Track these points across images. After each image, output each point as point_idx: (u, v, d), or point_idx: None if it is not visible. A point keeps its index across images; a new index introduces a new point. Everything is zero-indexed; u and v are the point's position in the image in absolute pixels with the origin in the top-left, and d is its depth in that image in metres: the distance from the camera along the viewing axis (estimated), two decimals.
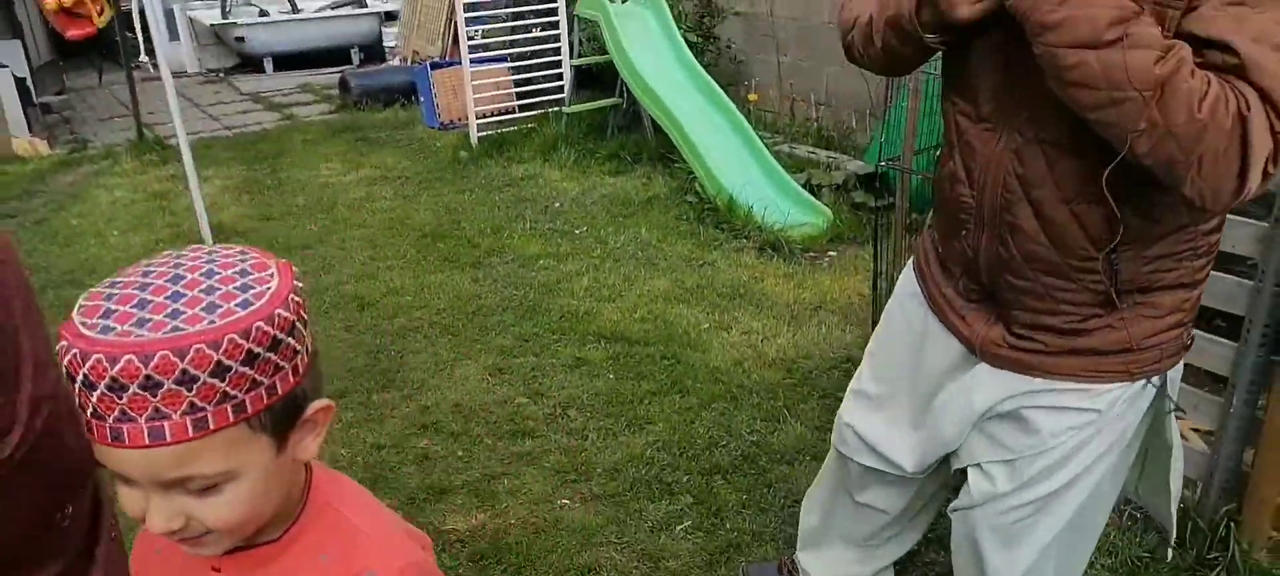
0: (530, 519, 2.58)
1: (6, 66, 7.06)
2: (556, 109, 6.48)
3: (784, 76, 6.44)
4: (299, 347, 0.80)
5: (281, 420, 0.80)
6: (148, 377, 0.71)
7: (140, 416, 0.72)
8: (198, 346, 0.71)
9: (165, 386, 0.71)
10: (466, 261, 4.48)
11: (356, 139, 6.88)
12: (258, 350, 0.74)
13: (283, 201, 5.48)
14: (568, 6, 6.59)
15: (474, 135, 6.38)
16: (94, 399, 0.72)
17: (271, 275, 0.79)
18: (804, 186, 4.96)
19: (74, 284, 4.27)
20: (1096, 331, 1.40)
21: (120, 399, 0.71)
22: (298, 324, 0.79)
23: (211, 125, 7.82)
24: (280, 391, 0.77)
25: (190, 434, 0.73)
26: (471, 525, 2.56)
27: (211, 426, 0.74)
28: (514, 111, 6.73)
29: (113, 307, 0.74)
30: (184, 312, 0.73)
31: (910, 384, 1.68)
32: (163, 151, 6.52)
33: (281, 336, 0.76)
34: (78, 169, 6.42)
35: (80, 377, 0.72)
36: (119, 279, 0.77)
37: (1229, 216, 1.67)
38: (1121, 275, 1.33)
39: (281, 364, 0.77)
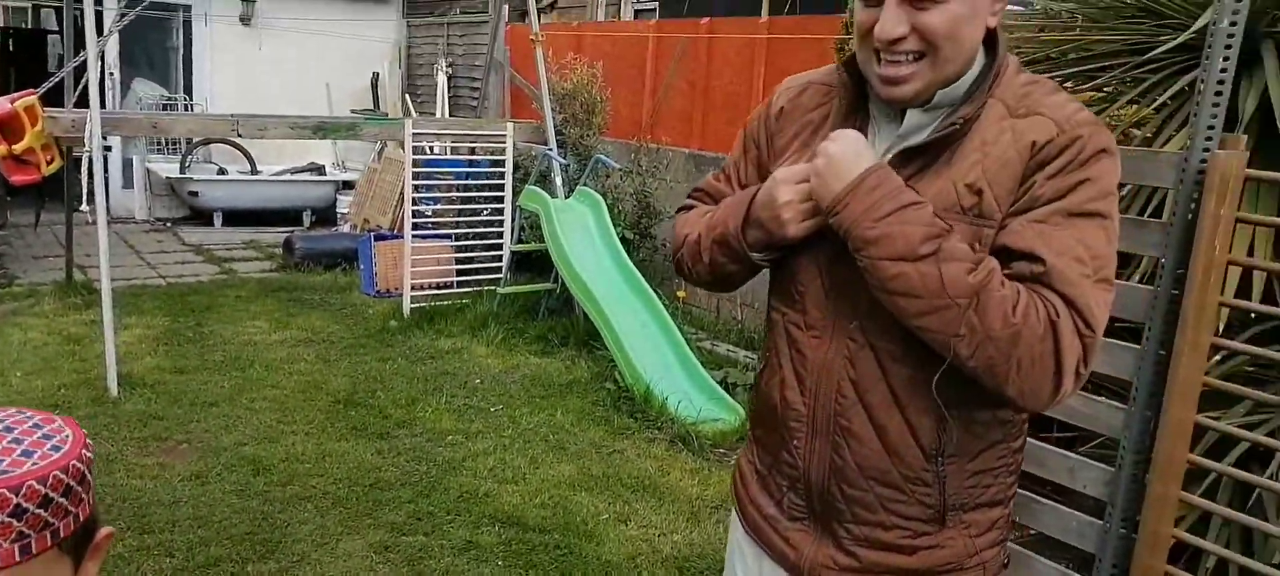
0: None
1: None
2: (492, 287, 6.60)
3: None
4: (92, 481, 0.91)
5: (81, 543, 0.89)
6: None
7: None
8: (30, 482, 0.82)
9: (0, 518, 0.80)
10: (375, 432, 4.43)
11: (289, 299, 6.89)
12: (73, 484, 0.86)
13: (200, 356, 5.41)
14: (512, 196, 6.84)
15: (407, 305, 6.44)
16: None
17: (62, 426, 0.89)
18: (721, 383, 5.05)
19: None
20: (925, 549, 1.40)
21: None
22: (91, 464, 0.91)
23: (147, 273, 7.79)
24: (82, 519, 0.88)
25: (17, 559, 0.82)
26: None
27: (34, 551, 0.83)
28: (452, 286, 6.83)
29: None
30: (4, 459, 0.83)
31: None
32: (88, 295, 6.45)
33: (87, 472, 0.88)
34: None
35: None
36: None
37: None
38: (949, 487, 1.36)
39: (84, 495, 0.88)
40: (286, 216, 10.61)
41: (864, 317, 1.33)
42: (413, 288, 6.52)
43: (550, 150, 6.89)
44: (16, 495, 0.81)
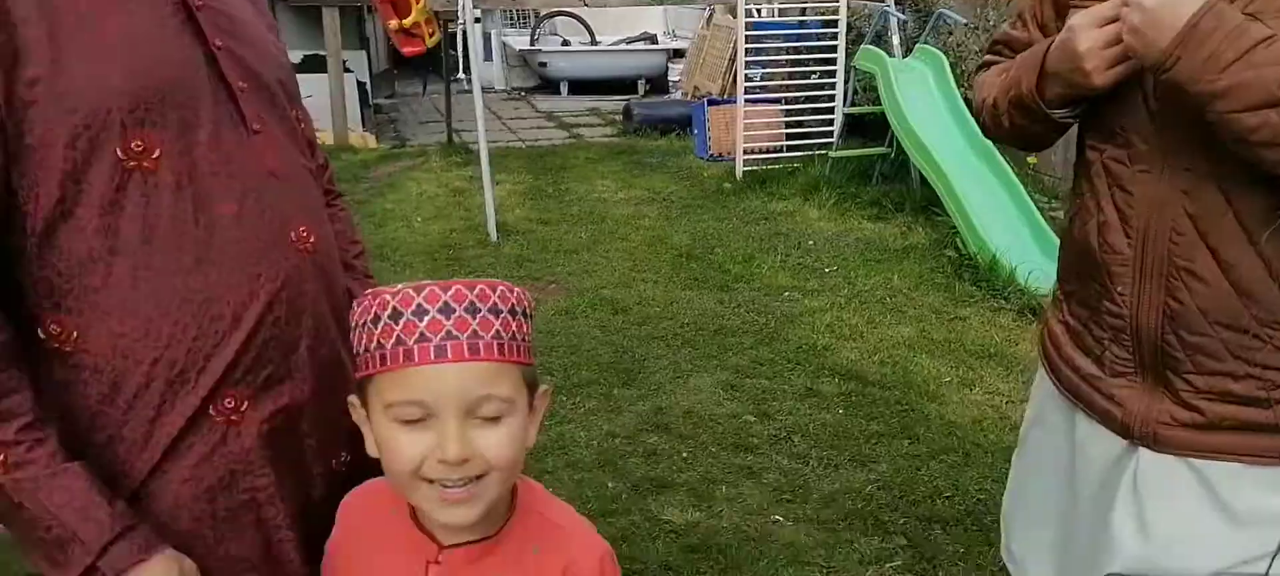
0: (743, 526, 2.67)
1: (353, 72, 8.26)
2: (823, 152, 6.55)
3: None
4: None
5: (532, 383, 0.98)
6: (471, 303, 0.90)
7: (463, 334, 0.89)
8: (503, 289, 0.93)
9: (482, 312, 0.91)
10: (715, 284, 4.66)
11: (631, 161, 7.34)
12: (531, 311, 0.95)
13: (560, 209, 5.97)
14: (846, 57, 6.66)
15: (739, 168, 6.60)
16: (423, 324, 0.89)
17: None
18: None
19: (381, 258, 4.93)
20: None
21: (447, 320, 0.89)
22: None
23: (509, 137, 8.66)
24: (531, 359, 0.97)
25: (496, 355, 0.91)
26: (687, 520, 2.70)
27: (506, 355, 0.92)
28: (782, 150, 6.88)
29: (418, 287, 0.93)
30: (475, 286, 0.93)
31: (1069, 524, 1.42)
32: (465, 155, 7.32)
33: (531, 312, 0.97)
34: (396, 162, 7.37)
35: (412, 308, 0.90)
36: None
37: None
38: None
39: (529, 341, 0.96)
40: (623, 85, 11.20)
41: (1201, 146, 1.15)
42: (744, 151, 6.65)
43: (887, 7, 6.58)
44: (493, 293, 0.92)
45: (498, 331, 0.91)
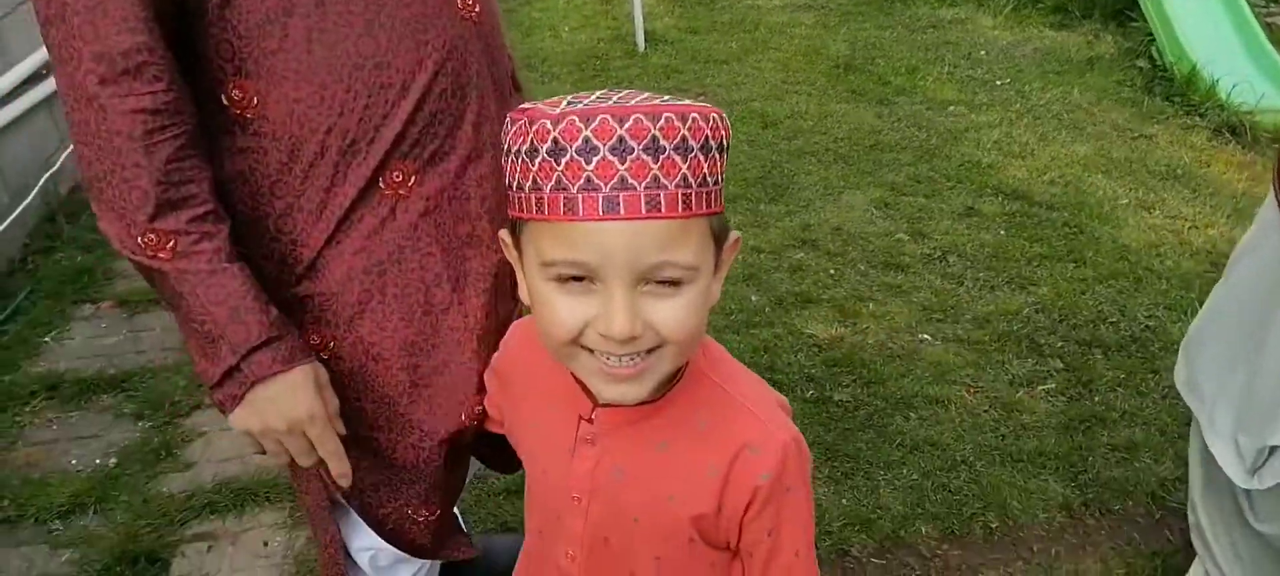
0: (888, 343, 2.63)
1: None
2: None
3: None
4: None
5: (720, 235, 0.78)
6: (653, 139, 0.69)
7: (640, 183, 0.69)
8: (694, 116, 0.71)
9: (666, 151, 0.70)
10: (874, 97, 4.42)
11: None
12: (725, 142, 0.74)
13: (710, 18, 5.75)
14: None
15: None
16: (590, 167, 0.69)
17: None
18: None
19: (528, 68, 4.93)
20: None
21: (622, 163, 0.69)
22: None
23: None
24: (721, 204, 0.76)
25: (680, 210, 0.71)
26: (831, 335, 2.67)
27: (694, 208, 0.72)
28: None
29: (578, 99, 0.73)
30: (653, 102, 0.72)
31: (1256, 371, 1.29)
32: None
33: (728, 143, 0.76)
34: None
35: (578, 143, 0.69)
36: (568, 96, 0.76)
37: None
38: None
39: (722, 182, 0.75)
40: None
41: None
42: None
43: None
44: (683, 124, 0.70)
45: (685, 176, 0.71)
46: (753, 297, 2.87)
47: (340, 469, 1.06)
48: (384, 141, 1.01)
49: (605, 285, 0.73)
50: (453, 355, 1.12)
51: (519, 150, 0.74)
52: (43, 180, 3.24)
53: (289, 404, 0.99)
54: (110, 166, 0.92)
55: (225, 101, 0.99)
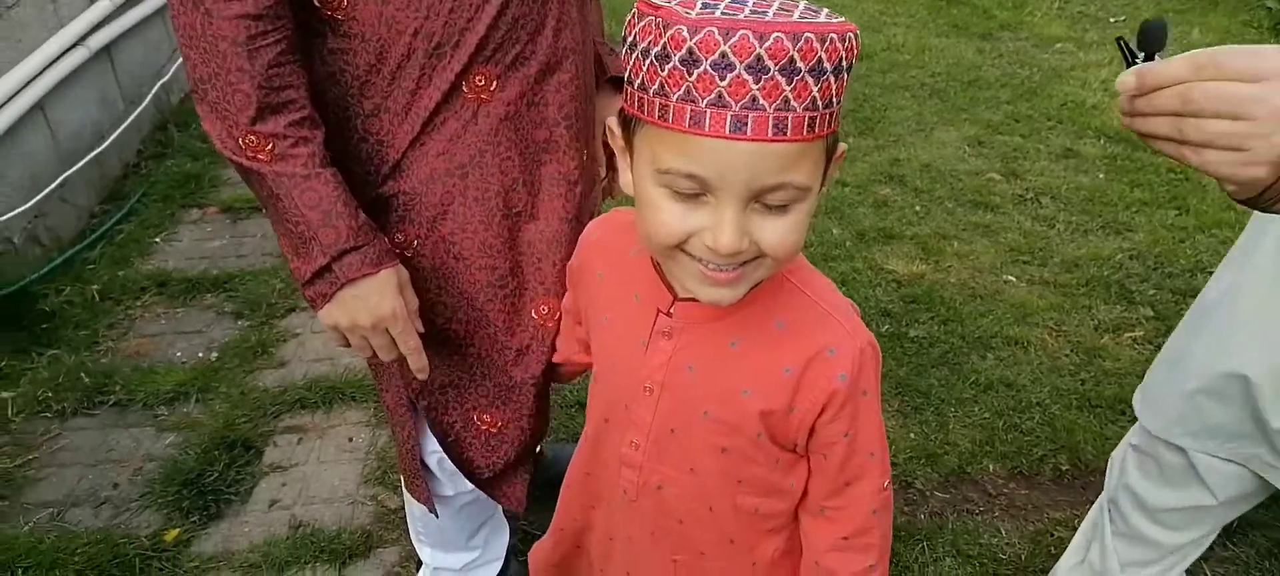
0: (970, 282, 2.57)
1: None
2: None
3: None
4: None
5: (831, 149, 0.76)
6: (791, 60, 0.66)
7: (770, 105, 0.67)
8: (831, 36, 0.68)
9: (801, 73, 0.67)
10: (976, 31, 4.26)
11: None
12: (853, 62, 0.71)
13: None
14: None
15: None
16: (725, 83, 0.67)
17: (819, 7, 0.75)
18: None
19: None
20: None
21: (757, 83, 0.67)
22: None
23: None
24: (839, 121, 0.74)
25: (805, 133, 0.69)
26: (912, 271, 2.63)
27: (817, 131, 0.70)
28: None
29: (713, 2, 0.70)
30: (791, 15, 0.68)
31: None
32: None
33: (851, 60, 0.72)
34: None
35: (712, 58, 0.67)
36: None
37: None
38: None
39: (842, 100, 0.73)
40: None
41: None
42: None
43: None
44: (821, 47, 0.67)
45: (814, 99, 0.68)
46: (834, 230, 2.84)
47: (419, 363, 1.12)
48: (468, 46, 1.04)
49: (718, 200, 0.72)
50: (527, 258, 1.16)
51: (647, 49, 0.71)
52: (155, 88, 3.42)
53: (375, 303, 1.05)
54: (215, 70, 0.96)
55: (317, 3, 1.02)
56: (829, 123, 0.71)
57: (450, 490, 1.40)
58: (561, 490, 1.13)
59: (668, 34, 0.68)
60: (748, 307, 0.85)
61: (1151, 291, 2.49)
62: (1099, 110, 3.48)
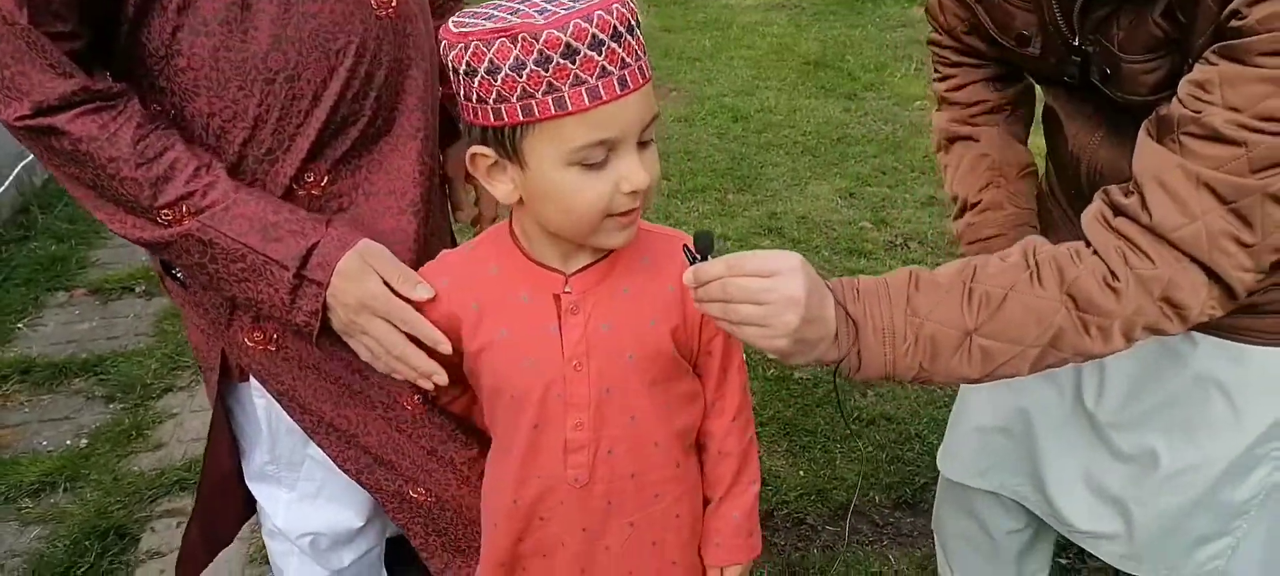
0: None
1: None
2: None
3: None
4: None
5: None
6: (630, 24, 0.84)
7: (633, 60, 0.84)
8: (618, 6, 0.83)
9: (623, 35, 0.83)
10: (842, 92, 4.51)
11: None
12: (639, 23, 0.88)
13: (685, 16, 5.83)
14: None
15: None
16: (602, 57, 0.81)
17: None
18: None
19: None
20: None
21: (620, 46, 0.82)
22: None
23: None
24: None
25: (649, 75, 0.87)
26: None
27: (649, 74, 0.88)
28: None
29: (507, 12, 0.84)
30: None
31: None
32: None
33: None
34: None
35: (587, 42, 0.80)
36: (470, 13, 0.86)
37: None
38: None
39: None
40: None
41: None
42: None
43: None
44: (628, 11, 0.84)
45: (636, 51, 0.86)
46: None
47: (430, 334, 1.02)
48: (300, 150, 1.03)
49: (619, 153, 0.87)
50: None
51: (516, 63, 0.81)
52: (17, 170, 3.27)
53: (352, 290, 1.01)
54: (95, 174, 0.95)
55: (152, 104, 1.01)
56: (648, 71, 0.89)
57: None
58: (485, 530, 1.14)
59: (540, 41, 0.80)
60: (620, 260, 0.99)
61: None
62: None
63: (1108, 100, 1.00)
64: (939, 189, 3.50)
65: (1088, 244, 0.91)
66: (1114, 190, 0.92)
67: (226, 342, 1.15)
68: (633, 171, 0.87)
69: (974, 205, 1.27)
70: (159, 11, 0.95)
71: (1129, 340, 0.90)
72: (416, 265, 1.07)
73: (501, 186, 0.92)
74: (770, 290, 0.85)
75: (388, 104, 1.09)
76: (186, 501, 2.07)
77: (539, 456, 1.04)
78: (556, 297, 0.98)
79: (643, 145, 0.89)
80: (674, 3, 6.16)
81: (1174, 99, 0.87)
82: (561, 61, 0.81)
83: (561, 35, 0.80)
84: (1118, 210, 0.90)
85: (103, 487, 2.10)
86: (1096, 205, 0.93)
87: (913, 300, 0.91)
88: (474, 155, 0.91)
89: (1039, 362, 0.92)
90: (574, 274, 0.98)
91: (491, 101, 0.84)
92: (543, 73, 0.81)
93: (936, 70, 1.34)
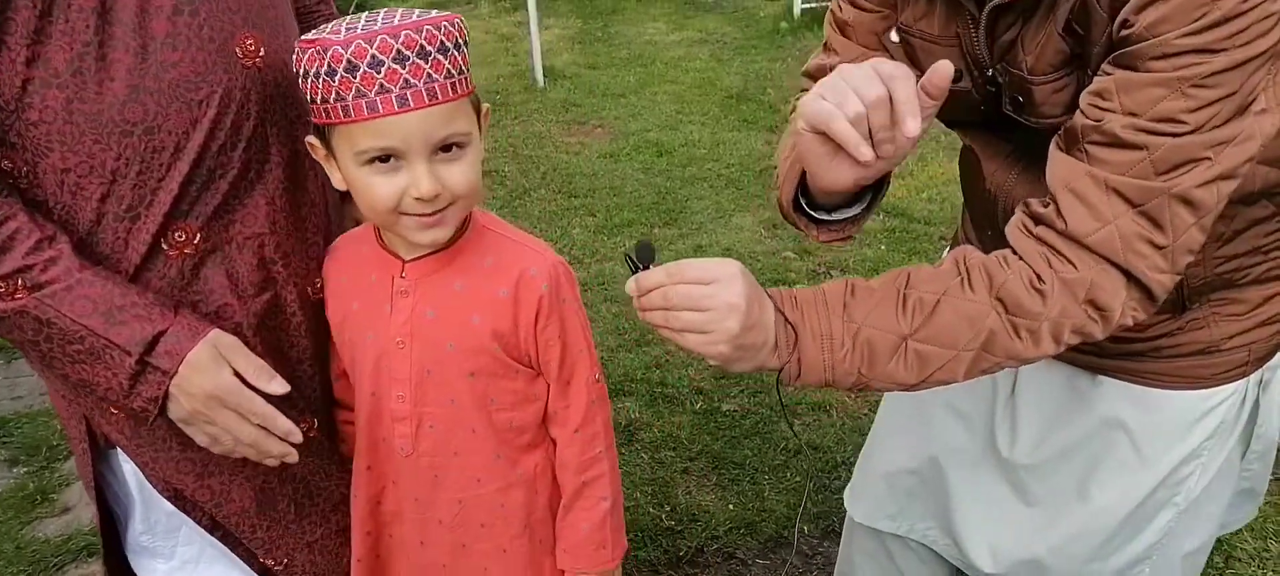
0: None
1: None
2: None
3: None
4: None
5: (477, 108, 1.04)
6: (422, 48, 0.93)
7: (419, 81, 0.93)
8: (444, 24, 0.95)
9: (433, 54, 0.93)
10: (764, 125, 4.59)
11: (685, 3, 7.13)
12: (464, 41, 0.99)
13: (609, 53, 5.88)
14: None
15: (797, 6, 6.36)
16: (381, 75, 0.91)
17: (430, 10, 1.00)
18: None
19: None
20: (1161, 337, 1.11)
21: (403, 68, 0.92)
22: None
23: None
24: (473, 86, 1.01)
25: (451, 94, 0.95)
26: None
27: (458, 92, 0.97)
28: None
29: (351, 26, 0.93)
30: (412, 16, 0.94)
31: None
32: (514, 1, 7.19)
33: (467, 41, 1.00)
34: (444, 9, 7.28)
35: (367, 61, 0.90)
36: (331, 23, 0.97)
37: None
38: (1189, 280, 1.06)
39: (468, 65, 1.00)
40: None
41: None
42: None
43: None
44: (439, 32, 0.93)
45: (448, 70, 0.95)
46: None
47: (283, 427, 1.03)
48: (162, 204, 0.99)
49: (409, 161, 0.96)
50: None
51: (318, 72, 0.93)
52: None
53: (201, 382, 0.98)
54: None
55: (5, 164, 0.96)
56: (465, 85, 0.98)
57: None
58: (352, 495, 1.20)
59: (328, 55, 0.92)
60: (462, 256, 1.08)
61: None
62: None
63: (1024, 136, 1.03)
64: None
65: (1013, 252, 0.94)
66: (1032, 202, 0.94)
67: (88, 410, 1.09)
68: (418, 180, 0.96)
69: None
70: (7, 63, 0.91)
71: (1057, 343, 0.92)
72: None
73: (334, 174, 1.03)
74: (711, 297, 0.88)
75: (260, 155, 1.06)
76: (95, 567, 1.99)
77: (376, 423, 1.15)
78: (393, 279, 1.10)
79: (447, 154, 0.98)
80: (599, 40, 6.21)
81: (1077, 111, 0.90)
82: (345, 74, 0.92)
83: (343, 52, 0.92)
84: (1037, 219, 0.92)
85: (4, 556, 2.00)
86: (1018, 217, 0.96)
87: (849, 307, 0.93)
88: (311, 144, 1.03)
89: (973, 367, 0.94)
90: (411, 261, 1.09)
91: (310, 100, 0.97)
92: (332, 83, 0.93)
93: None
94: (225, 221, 1.04)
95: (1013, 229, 0.95)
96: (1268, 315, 1.10)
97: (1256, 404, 1.16)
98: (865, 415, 2.46)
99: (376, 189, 0.98)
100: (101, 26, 0.93)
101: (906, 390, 0.96)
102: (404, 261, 1.10)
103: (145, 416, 0.99)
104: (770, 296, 0.94)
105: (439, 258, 1.09)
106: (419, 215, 1.00)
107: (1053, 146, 0.93)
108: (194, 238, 1.02)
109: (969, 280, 0.93)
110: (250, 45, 1.02)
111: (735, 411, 2.47)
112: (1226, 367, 1.11)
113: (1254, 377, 1.14)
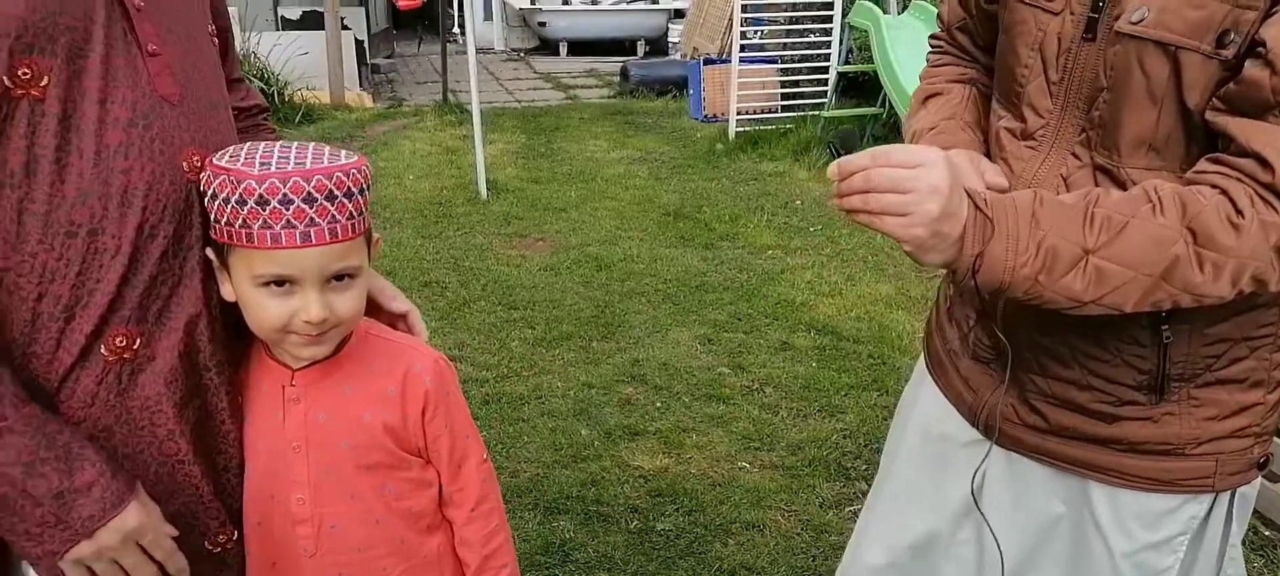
0: (710, 472, 2.76)
1: (350, 30, 8.27)
2: (816, 113, 6.57)
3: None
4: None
5: (369, 238, 1.13)
6: (331, 192, 1.01)
7: (323, 221, 1.02)
8: (353, 171, 1.05)
9: (338, 198, 1.02)
10: (700, 242, 4.72)
11: (625, 122, 7.37)
12: (368, 185, 1.08)
13: (551, 169, 6.02)
14: (842, 15, 6.66)
15: (732, 129, 6.63)
16: (289, 212, 0.99)
17: (338, 150, 1.09)
18: None
19: (373, 214, 4.98)
20: (1130, 421, 1.11)
21: (311, 209, 1.00)
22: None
23: (505, 97, 8.67)
24: (370, 222, 1.11)
25: (350, 234, 1.05)
26: (656, 466, 2.78)
27: (356, 232, 1.06)
28: (777, 111, 6.90)
29: (265, 160, 1.01)
30: (321, 160, 1.04)
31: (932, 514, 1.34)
32: (460, 114, 7.36)
33: (368, 184, 1.09)
34: (391, 121, 7.41)
35: (278, 198, 0.98)
36: (244, 149, 1.04)
37: None
38: (1172, 354, 1.06)
39: (369, 206, 1.09)
40: (622, 46, 11.19)
41: (1095, 126, 1.04)
42: (738, 112, 6.67)
43: None
44: (347, 178, 1.02)
45: (351, 212, 1.04)
46: (583, 431, 2.95)
47: (178, 565, 1.06)
48: (98, 305, 0.98)
49: (302, 288, 1.04)
50: (191, 504, 1.11)
51: (227, 198, 1.00)
52: None
53: (119, 525, 0.99)
54: None
55: None
56: (363, 224, 1.07)
57: None
58: None
59: (241, 187, 0.99)
60: (349, 362, 1.15)
61: (865, 466, 2.79)
62: (807, 306, 3.94)
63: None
64: (790, 333, 3.69)
65: (1212, 187, 0.93)
66: (1222, 155, 0.94)
67: None
68: (308, 306, 1.04)
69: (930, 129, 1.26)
70: None
71: (1234, 285, 0.93)
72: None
73: (225, 286, 1.09)
74: (914, 178, 0.90)
75: (200, 265, 1.07)
76: None
77: (274, 527, 1.18)
78: (283, 388, 1.15)
79: (338, 283, 1.06)
80: (542, 156, 6.36)
81: (1255, 74, 0.90)
82: (254, 207, 0.99)
83: (257, 187, 0.99)
84: (1237, 168, 0.92)
85: None
86: (1210, 166, 0.95)
87: (1037, 215, 0.94)
88: (208, 255, 1.08)
89: (1144, 298, 0.94)
90: (299, 370, 1.15)
91: (214, 220, 1.04)
92: (241, 211, 1.00)
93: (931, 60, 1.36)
94: (166, 328, 1.04)
95: (1209, 171, 0.95)
96: (1240, 426, 1.10)
97: (1225, 542, 1.16)
98: (796, 533, 2.49)
99: (267, 309, 1.05)
100: (61, 132, 0.94)
101: (1074, 308, 0.97)
102: (293, 371, 1.15)
103: (47, 561, 0.98)
104: (966, 191, 0.95)
105: (326, 365, 1.15)
106: (305, 335, 1.07)
107: (1228, 117, 0.93)
108: (133, 342, 1.02)
109: (1161, 206, 0.93)
110: (196, 161, 1.04)
111: (670, 531, 2.48)
112: (1193, 475, 1.11)
113: (1222, 511, 1.14)
